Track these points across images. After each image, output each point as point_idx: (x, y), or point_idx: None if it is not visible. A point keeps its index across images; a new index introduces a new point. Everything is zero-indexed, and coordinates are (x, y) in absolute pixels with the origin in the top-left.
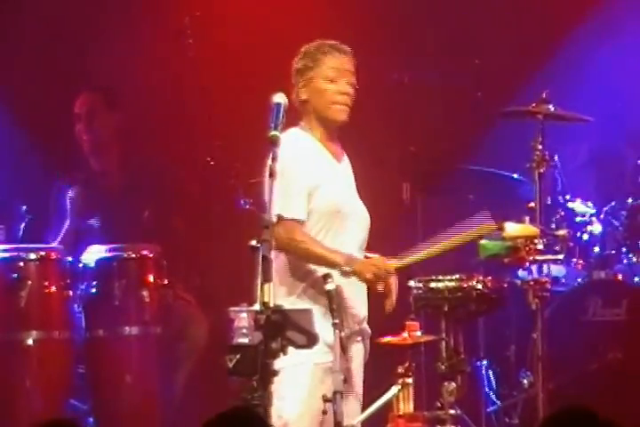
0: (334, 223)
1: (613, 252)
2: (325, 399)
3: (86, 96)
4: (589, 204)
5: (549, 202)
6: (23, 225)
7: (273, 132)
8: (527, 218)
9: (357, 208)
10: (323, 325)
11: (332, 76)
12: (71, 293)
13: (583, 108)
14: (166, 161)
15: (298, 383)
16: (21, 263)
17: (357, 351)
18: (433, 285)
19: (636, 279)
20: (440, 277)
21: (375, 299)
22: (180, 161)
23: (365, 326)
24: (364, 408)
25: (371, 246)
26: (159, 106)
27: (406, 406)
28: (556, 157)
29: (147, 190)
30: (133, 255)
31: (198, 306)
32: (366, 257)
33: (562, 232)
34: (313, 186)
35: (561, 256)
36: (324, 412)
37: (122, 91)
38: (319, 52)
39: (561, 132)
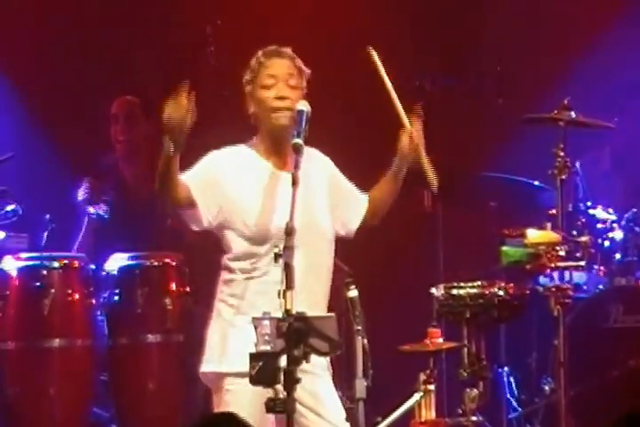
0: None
1: (635, 258)
2: (347, 407)
3: (126, 99)
4: (610, 210)
5: (571, 209)
6: (46, 233)
7: (296, 140)
8: (549, 225)
9: (307, 225)
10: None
11: (269, 84)
12: (94, 301)
13: (604, 114)
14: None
15: None
16: (45, 272)
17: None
18: (455, 292)
19: None
20: (462, 284)
21: (394, 307)
22: None
23: None
24: (385, 415)
25: (392, 253)
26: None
27: (428, 413)
28: (577, 164)
29: None
30: (156, 263)
31: None
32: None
33: (583, 239)
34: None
35: (582, 263)
36: (346, 419)
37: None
38: (256, 62)
39: (583, 139)
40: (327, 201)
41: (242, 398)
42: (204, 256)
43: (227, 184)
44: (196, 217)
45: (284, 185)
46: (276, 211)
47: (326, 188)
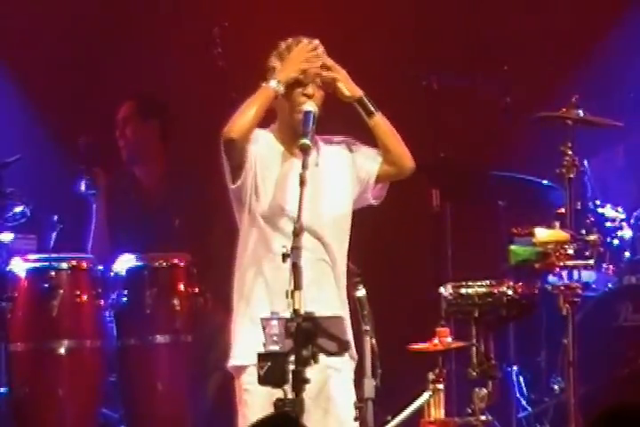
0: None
1: None
2: (357, 406)
3: (125, 104)
4: (619, 209)
5: (579, 207)
6: (54, 235)
7: (303, 141)
8: (557, 223)
9: (311, 211)
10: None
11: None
12: (102, 302)
13: (615, 112)
14: (206, 171)
15: None
16: (53, 273)
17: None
18: (463, 291)
19: None
20: (470, 283)
21: (403, 306)
22: (217, 171)
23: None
24: (394, 415)
25: (400, 253)
26: (190, 115)
27: (437, 413)
28: (585, 163)
29: (184, 200)
30: (164, 264)
31: (229, 315)
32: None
33: (592, 237)
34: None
35: (591, 261)
36: (356, 419)
37: (158, 98)
38: (288, 51)
39: (595, 137)
40: (348, 179)
41: (259, 398)
42: (224, 256)
43: (255, 158)
44: (241, 165)
45: (297, 170)
46: (287, 189)
47: (348, 167)
